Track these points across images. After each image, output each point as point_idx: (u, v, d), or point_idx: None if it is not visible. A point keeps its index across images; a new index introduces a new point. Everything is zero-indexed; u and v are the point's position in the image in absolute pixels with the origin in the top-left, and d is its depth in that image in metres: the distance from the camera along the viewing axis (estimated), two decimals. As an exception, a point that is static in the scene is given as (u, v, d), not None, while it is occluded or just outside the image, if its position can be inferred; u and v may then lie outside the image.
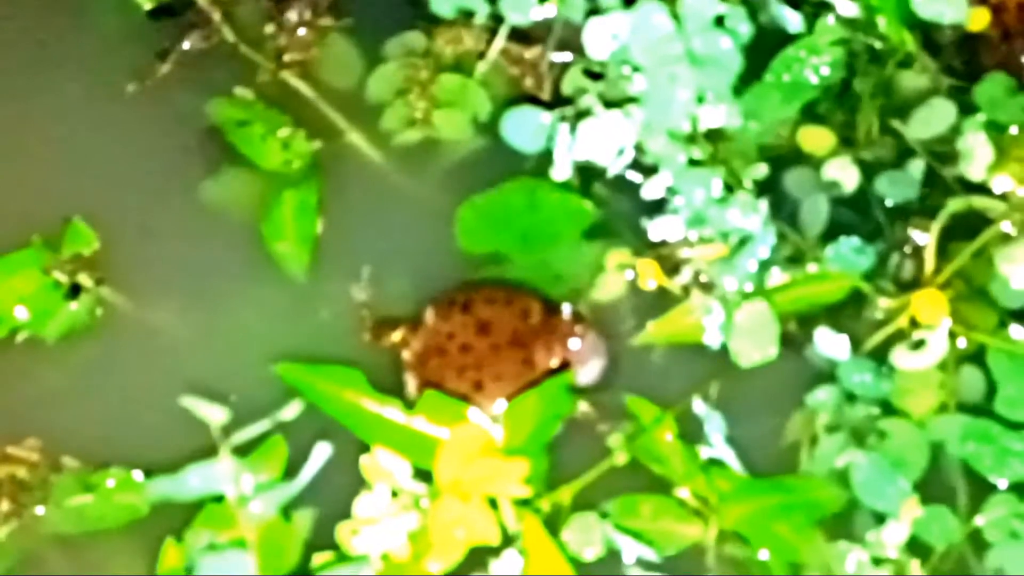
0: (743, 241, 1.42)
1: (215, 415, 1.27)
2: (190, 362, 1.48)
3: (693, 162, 1.45)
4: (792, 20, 1.49)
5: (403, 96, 1.57)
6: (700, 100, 1.44)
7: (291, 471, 1.33)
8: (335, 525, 1.32)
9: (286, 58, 1.59)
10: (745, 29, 1.47)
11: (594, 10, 1.48)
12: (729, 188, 1.45)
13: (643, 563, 1.34)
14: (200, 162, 1.56)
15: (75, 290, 1.48)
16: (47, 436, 1.44)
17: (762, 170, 1.47)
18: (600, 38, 1.45)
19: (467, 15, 1.56)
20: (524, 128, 1.48)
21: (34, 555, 1.40)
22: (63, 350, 1.48)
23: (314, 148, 1.55)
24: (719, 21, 1.46)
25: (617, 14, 1.44)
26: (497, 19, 1.55)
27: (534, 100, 1.53)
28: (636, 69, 1.45)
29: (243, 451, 1.32)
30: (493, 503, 1.29)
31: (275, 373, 1.43)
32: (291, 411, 1.31)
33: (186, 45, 1.59)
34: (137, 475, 1.40)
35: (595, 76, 1.49)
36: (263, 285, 1.51)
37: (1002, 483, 1.40)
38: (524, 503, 1.32)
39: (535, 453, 1.34)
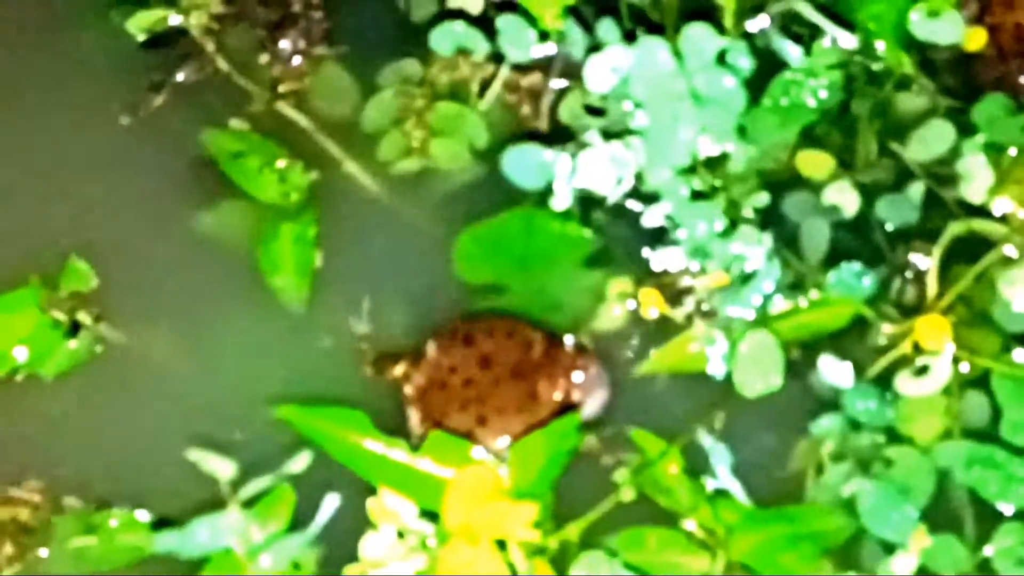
0: (747, 277, 1.41)
1: (223, 469, 1.27)
2: (192, 398, 1.47)
3: (695, 195, 1.44)
4: (793, 54, 1.48)
5: (399, 125, 1.56)
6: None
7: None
8: (341, 567, 1.31)
9: (281, 88, 1.58)
10: (746, 64, 1.46)
11: (595, 47, 1.47)
12: (732, 223, 1.44)
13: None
14: (196, 194, 1.54)
15: (74, 328, 1.47)
16: (48, 476, 1.43)
17: (763, 199, 1.47)
18: (601, 73, 1.44)
19: (466, 52, 1.55)
20: (525, 165, 1.47)
21: (39, 596, 1.39)
22: (63, 388, 1.47)
23: (311, 179, 1.54)
24: (720, 58, 1.45)
25: (618, 48, 1.43)
26: (497, 56, 1.54)
27: (533, 135, 1.52)
28: (638, 105, 1.44)
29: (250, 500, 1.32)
30: (502, 544, 1.28)
31: (279, 402, 1.42)
32: (300, 463, 1.30)
33: (180, 76, 1.58)
34: (140, 515, 1.39)
35: (596, 112, 1.48)
36: (262, 318, 1.50)
37: (1008, 509, 1.39)
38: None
39: (542, 493, 1.33)
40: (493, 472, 1.31)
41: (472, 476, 1.28)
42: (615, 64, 1.43)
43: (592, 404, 1.42)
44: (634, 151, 1.44)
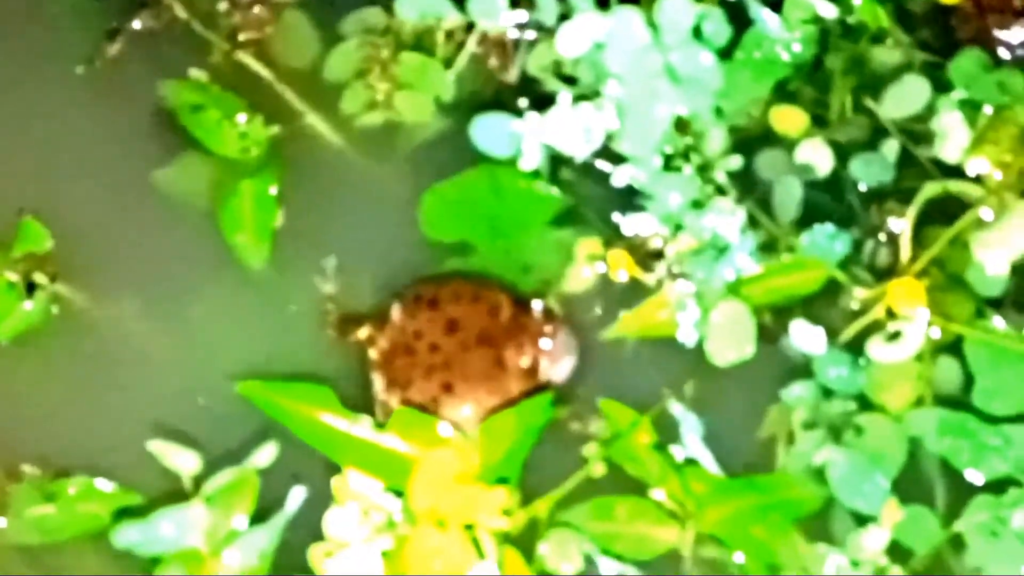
0: (720, 248, 1.38)
1: (186, 463, 1.24)
2: (152, 360, 1.44)
3: (668, 166, 1.41)
4: (771, 22, 1.44)
5: (363, 77, 1.52)
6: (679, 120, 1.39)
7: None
8: (301, 551, 1.28)
9: (240, 37, 1.53)
10: (724, 33, 1.42)
11: (566, 15, 1.43)
12: (703, 174, 1.41)
13: (623, 580, 1.32)
14: (154, 148, 1.50)
15: (30, 289, 1.43)
16: (4, 443, 1.39)
17: (735, 162, 1.44)
18: (573, 39, 1.40)
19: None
20: (494, 134, 1.44)
21: (-2, 568, 1.36)
22: (18, 352, 1.43)
23: (272, 133, 1.50)
24: (697, 32, 1.41)
25: (591, 15, 1.38)
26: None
27: (501, 88, 1.48)
28: (609, 75, 1.40)
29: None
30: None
31: (243, 368, 1.39)
32: (265, 456, 1.28)
33: (136, 24, 1.53)
34: (100, 483, 1.36)
35: (568, 79, 1.44)
36: (223, 277, 1.47)
37: (979, 479, 1.38)
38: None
39: (512, 472, 1.31)
40: (461, 454, 1.28)
41: (439, 459, 1.26)
42: (588, 32, 1.38)
43: (559, 371, 1.39)
44: (604, 113, 1.40)
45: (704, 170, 1.42)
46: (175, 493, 1.34)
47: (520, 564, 1.27)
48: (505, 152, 1.44)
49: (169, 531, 1.22)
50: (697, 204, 1.40)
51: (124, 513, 1.32)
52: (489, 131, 1.44)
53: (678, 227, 1.40)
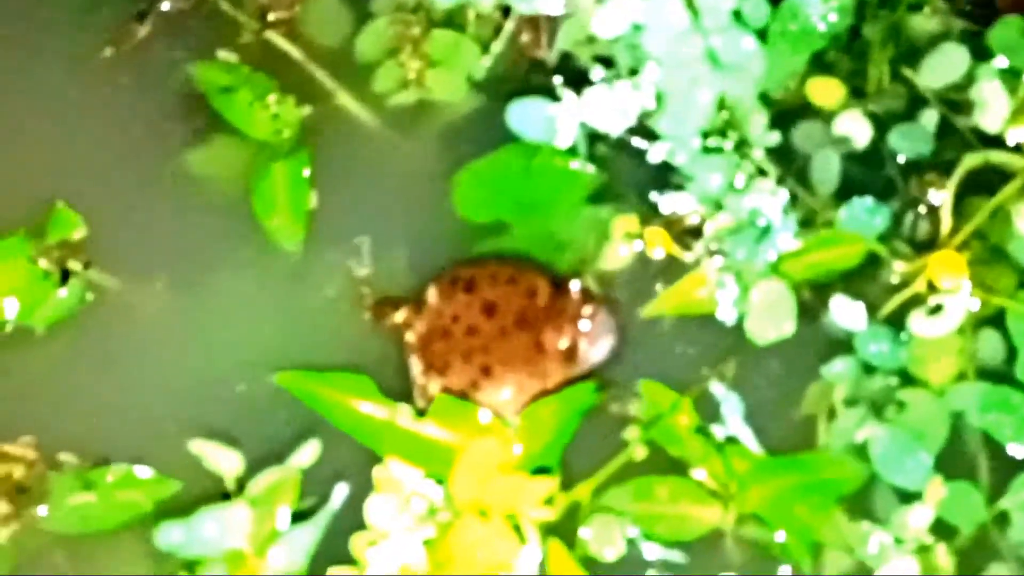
0: (763, 230, 1.37)
1: (229, 464, 1.23)
2: (187, 345, 1.43)
3: (707, 149, 1.39)
4: (811, -1, 1.42)
5: (394, 55, 1.50)
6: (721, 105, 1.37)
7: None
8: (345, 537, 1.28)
9: (270, 16, 1.52)
10: (763, 13, 1.40)
11: (604, -3, 1.41)
12: (741, 152, 1.39)
13: (665, 564, 1.30)
14: (185, 131, 1.49)
15: (64, 276, 1.42)
16: (42, 431, 1.39)
17: (774, 138, 1.42)
18: (610, 21, 1.37)
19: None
20: (530, 119, 1.42)
21: (37, 557, 1.36)
22: (54, 340, 1.42)
23: (304, 114, 1.48)
24: (737, 15, 1.38)
25: (631, -1, 1.36)
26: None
27: (535, 65, 1.46)
28: (648, 58, 1.38)
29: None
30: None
31: (279, 353, 1.39)
32: (308, 454, 1.27)
33: (165, 5, 1.52)
34: (139, 470, 1.36)
35: (604, 61, 1.42)
36: (259, 261, 1.46)
37: (1022, 453, 1.36)
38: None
39: (553, 458, 1.30)
40: (502, 442, 1.27)
41: (482, 449, 1.25)
42: (626, 13, 1.36)
43: (599, 351, 1.38)
44: (641, 92, 1.38)
45: (742, 147, 1.40)
46: (215, 478, 1.33)
47: (564, 555, 1.26)
48: (541, 136, 1.42)
49: (212, 532, 1.22)
50: (737, 190, 1.39)
51: (166, 508, 1.30)
52: (525, 115, 1.42)
53: (717, 206, 1.38)
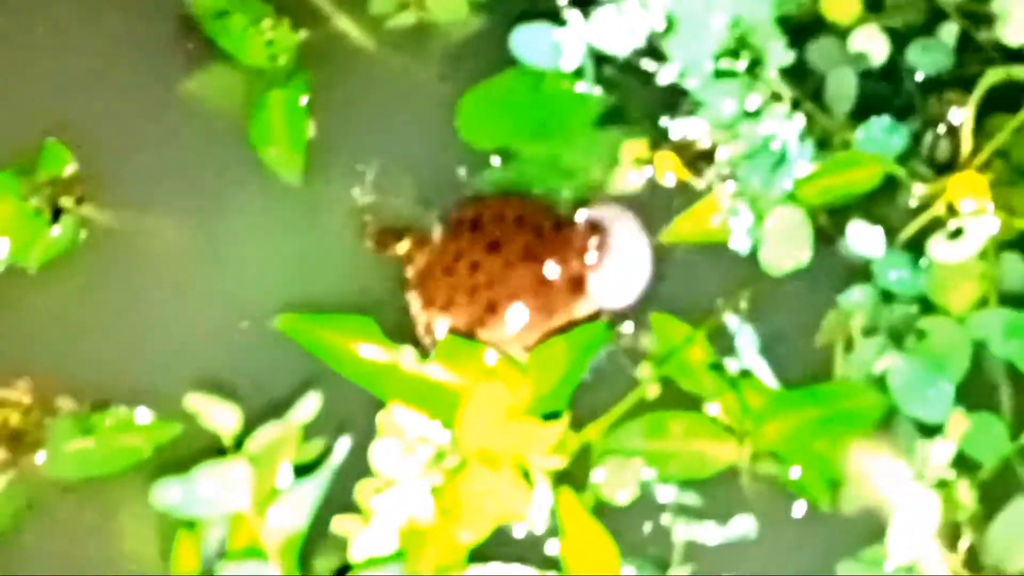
0: (778, 158, 1.32)
1: (226, 421, 1.19)
2: (186, 281, 1.39)
3: (720, 73, 1.34)
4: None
5: (392, -25, 1.45)
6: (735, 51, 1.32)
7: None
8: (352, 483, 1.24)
9: (263, -64, 1.46)
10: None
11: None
12: (755, 74, 1.33)
13: (679, 507, 1.27)
14: (178, 59, 1.44)
15: (56, 214, 1.38)
16: (39, 375, 1.35)
17: (788, 58, 1.36)
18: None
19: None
20: (535, 45, 1.37)
21: (36, 503, 1.33)
22: (48, 280, 1.38)
23: (300, 39, 1.43)
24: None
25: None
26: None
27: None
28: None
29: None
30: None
31: (282, 284, 1.35)
32: (308, 408, 1.23)
33: (154, -73, 1.46)
34: (139, 414, 1.32)
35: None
36: (257, 191, 1.41)
37: (1047, 381, 1.33)
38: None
39: (563, 399, 1.26)
40: (510, 385, 1.23)
41: (488, 394, 1.21)
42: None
43: (637, 287, 1.34)
44: (650, 13, 1.33)
45: (755, 69, 1.34)
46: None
47: (575, 504, 1.22)
48: (546, 62, 1.38)
49: (211, 491, 1.18)
50: (751, 115, 1.33)
51: (166, 453, 1.27)
52: (530, 41, 1.37)
53: (731, 131, 1.34)
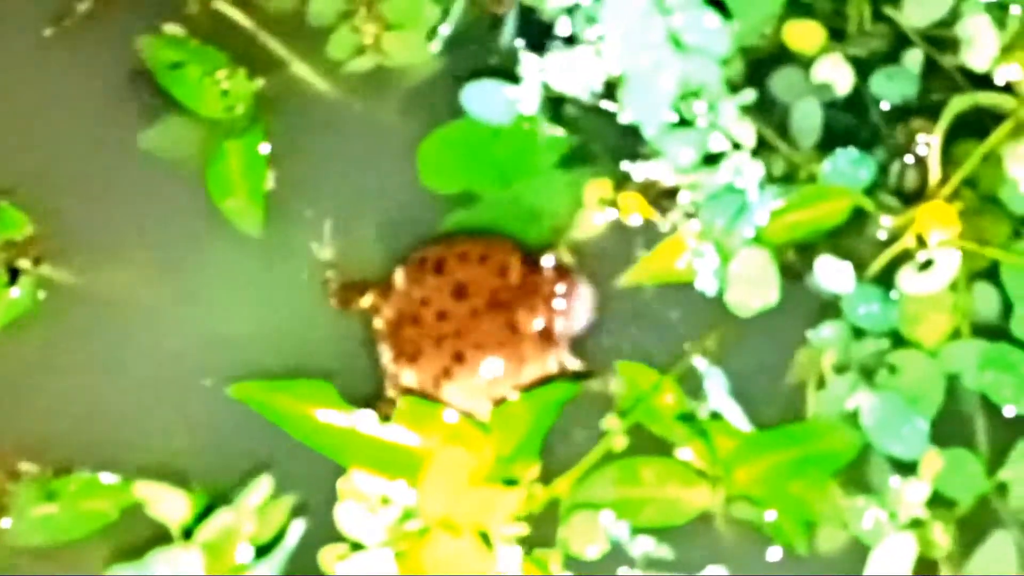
0: (740, 206, 1.30)
1: (175, 510, 1.17)
2: (147, 341, 1.37)
3: (676, 123, 1.32)
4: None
5: (349, 19, 1.43)
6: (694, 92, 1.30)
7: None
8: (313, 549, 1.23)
9: (216, -16, 1.44)
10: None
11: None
12: (714, 123, 1.32)
13: (651, 561, 1.25)
14: (134, 112, 1.42)
15: (13, 275, 1.36)
16: (1, 440, 1.33)
17: (749, 96, 1.34)
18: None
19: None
20: (488, 102, 1.35)
21: (3, 570, 1.31)
22: (7, 341, 1.36)
23: (257, 87, 1.41)
24: (700, -12, 1.31)
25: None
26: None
27: (496, 21, 1.38)
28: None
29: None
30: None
31: (246, 342, 1.33)
32: (259, 494, 1.21)
33: (104, -23, 1.44)
34: (104, 477, 1.31)
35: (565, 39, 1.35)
36: (219, 247, 1.39)
37: (1011, 411, 1.30)
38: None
39: (530, 456, 1.25)
40: (472, 446, 1.21)
41: (449, 459, 1.19)
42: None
43: (576, 325, 1.32)
44: (604, 59, 1.31)
45: (715, 108, 1.33)
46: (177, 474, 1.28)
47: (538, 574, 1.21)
48: (501, 119, 1.36)
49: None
50: (711, 158, 1.31)
51: (133, 515, 1.25)
52: (482, 99, 1.35)
53: (692, 186, 1.32)
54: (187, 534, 1.22)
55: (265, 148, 1.40)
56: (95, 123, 1.42)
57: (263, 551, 1.21)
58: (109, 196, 1.40)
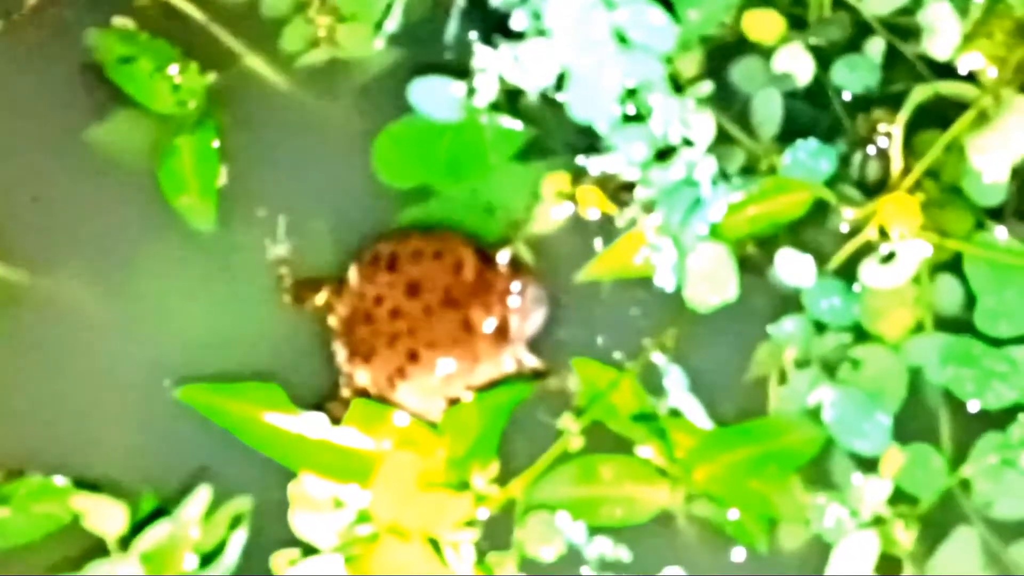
0: (693, 205, 1.27)
1: (111, 522, 1.15)
2: (100, 341, 1.35)
3: (628, 117, 1.30)
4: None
5: (302, 11, 1.41)
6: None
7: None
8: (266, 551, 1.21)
9: (166, -24, 1.42)
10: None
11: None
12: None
13: (605, 563, 1.24)
14: (85, 107, 1.40)
15: (-37, 275, 1.34)
16: (-49, 443, 1.31)
17: (706, 88, 1.32)
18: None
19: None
20: (435, 99, 1.33)
21: (-43, 576, 1.29)
22: (-41, 343, 1.34)
23: (209, 81, 1.39)
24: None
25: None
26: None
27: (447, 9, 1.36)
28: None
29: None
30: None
31: (199, 342, 1.31)
32: (198, 504, 1.19)
33: (52, -30, 1.42)
34: (57, 480, 1.29)
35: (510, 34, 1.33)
36: (170, 242, 1.37)
37: (974, 406, 1.29)
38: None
39: (485, 457, 1.23)
40: (424, 448, 1.19)
41: (399, 464, 1.17)
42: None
43: (530, 325, 1.30)
44: (556, 51, 1.29)
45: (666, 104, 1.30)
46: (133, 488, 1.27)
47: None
48: (449, 115, 1.33)
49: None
50: (663, 154, 1.29)
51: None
52: (428, 95, 1.33)
53: (645, 182, 1.30)
54: (125, 544, 1.20)
55: (217, 144, 1.37)
56: (45, 119, 1.40)
57: (210, 558, 1.19)
58: (59, 193, 1.38)
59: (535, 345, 1.31)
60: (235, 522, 1.20)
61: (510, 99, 1.36)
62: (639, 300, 1.32)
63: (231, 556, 1.17)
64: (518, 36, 1.33)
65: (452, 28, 1.34)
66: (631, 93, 1.30)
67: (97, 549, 1.25)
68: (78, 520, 1.27)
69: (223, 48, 1.41)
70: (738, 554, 1.26)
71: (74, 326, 1.35)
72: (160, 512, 1.22)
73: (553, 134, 1.37)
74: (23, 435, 1.32)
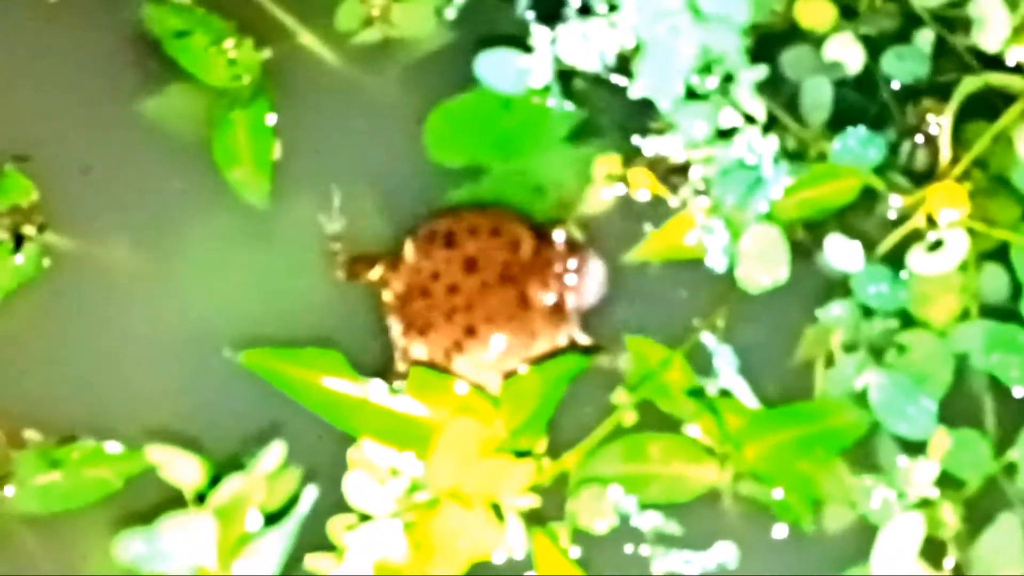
0: (755, 180, 1.29)
1: (188, 474, 1.16)
2: (152, 310, 1.36)
3: (691, 95, 1.31)
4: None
5: (357, -11, 1.42)
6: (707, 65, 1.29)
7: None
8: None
9: (223, -48, 1.43)
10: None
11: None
12: (727, 94, 1.31)
13: (660, 536, 1.25)
14: (139, 80, 1.41)
15: (18, 242, 1.35)
16: (4, 407, 1.32)
17: (760, 73, 1.34)
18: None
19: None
20: (501, 71, 1.34)
21: (5, 538, 1.30)
22: (12, 309, 1.35)
23: (263, 57, 1.40)
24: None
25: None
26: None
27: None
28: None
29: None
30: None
31: (250, 314, 1.32)
32: (271, 460, 1.20)
33: (110, -56, 1.43)
34: (108, 446, 1.29)
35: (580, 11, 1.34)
36: (224, 216, 1.38)
37: (1019, 392, 1.30)
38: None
39: (537, 430, 1.24)
40: (483, 418, 1.20)
41: (459, 430, 1.18)
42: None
43: (586, 301, 1.31)
44: (618, 31, 1.30)
45: (728, 84, 1.32)
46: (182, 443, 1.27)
47: (549, 546, 1.20)
48: (514, 89, 1.35)
49: (175, 544, 1.15)
50: (724, 133, 1.31)
51: (137, 484, 1.24)
52: (495, 66, 1.34)
53: (706, 160, 1.31)
54: (199, 499, 1.21)
55: (272, 119, 1.38)
56: (101, 91, 1.40)
57: (272, 519, 1.20)
58: (114, 164, 1.39)
59: (587, 323, 1.32)
60: (305, 479, 1.20)
61: (564, 80, 1.37)
62: (687, 281, 1.34)
63: (302, 510, 1.18)
64: (579, 14, 1.34)
65: (521, 4, 1.35)
66: (698, 71, 1.31)
67: (142, 517, 1.26)
68: (129, 486, 1.28)
69: (278, 25, 1.42)
70: (783, 532, 1.27)
71: (127, 294, 1.36)
72: (217, 477, 1.23)
73: (606, 116, 1.38)
74: (76, 402, 1.32)
